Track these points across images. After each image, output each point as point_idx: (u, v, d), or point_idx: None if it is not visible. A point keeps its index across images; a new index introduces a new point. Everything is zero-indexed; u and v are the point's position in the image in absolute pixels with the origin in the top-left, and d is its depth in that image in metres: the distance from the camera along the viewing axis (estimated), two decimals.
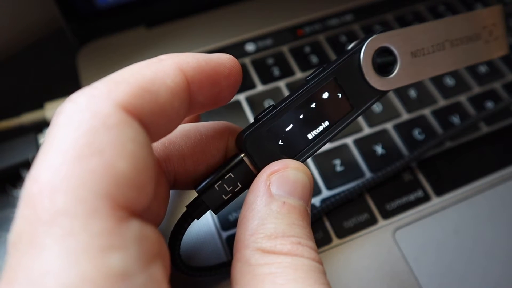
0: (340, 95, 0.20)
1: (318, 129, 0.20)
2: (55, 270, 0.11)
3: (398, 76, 0.20)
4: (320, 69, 0.20)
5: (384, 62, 0.21)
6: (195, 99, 0.16)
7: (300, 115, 0.19)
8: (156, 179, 0.15)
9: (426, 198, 0.27)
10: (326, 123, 0.20)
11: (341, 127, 0.20)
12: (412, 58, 0.21)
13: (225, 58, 0.17)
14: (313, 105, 0.20)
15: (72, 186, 0.12)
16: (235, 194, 0.19)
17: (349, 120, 0.20)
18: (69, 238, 0.12)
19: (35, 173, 0.13)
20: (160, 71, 0.15)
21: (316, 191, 0.27)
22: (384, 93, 0.21)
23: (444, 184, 0.27)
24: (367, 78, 0.20)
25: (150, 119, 0.15)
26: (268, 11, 0.37)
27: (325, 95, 0.20)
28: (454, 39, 0.21)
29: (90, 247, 0.12)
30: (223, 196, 0.18)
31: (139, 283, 0.12)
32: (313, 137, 0.20)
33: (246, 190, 0.19)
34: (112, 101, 0.14)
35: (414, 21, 0.36)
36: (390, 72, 0.21)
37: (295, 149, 0.19)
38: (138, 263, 0.13)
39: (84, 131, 0.13)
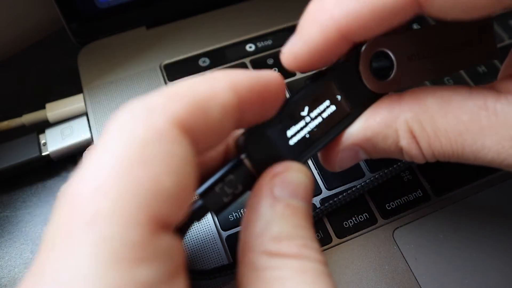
0: (339, 97, 0.20)
1: (318, 131, 0.20)
2: (84, 276, 0.12)
3: (394, 79, 0.21)
4: (320, 72, 0.20)
5: (382, 66, 0.21)
6: (244, 116, 0.17)
7: (300, 117, 0.20)
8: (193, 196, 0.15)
9: (425, 198, 0.27)
10: (326, 124, 0.20)
11: (340, 129, 0.20)
12: (408, 62, 0.21)
13: (274, 76, 0.18)
14: (312, 107, 0.20)
15: (116, 192, 0.13)
16: (236, 196, 0.19)
17: (347, 122, 0.20)
18: (103, 244, 0.12)
19: (83, 173, 0.13)
20: (214, 88, 0.15)
21: (316, 191, 0.27)
22: (382, 96, 0.21)
23: (443, 184, 0.27)
24: (365, 81, 0.21)
25: (200, 135, 0.15)
26: (268, 11, 0.37)
27: (324, 97, 0.20)
28: (447, 44, 0.22)
29: (122, 257, 0.12)
30: (224, 198, 0.18)
31: None
32: (313, 138, 0.20)
33: (247, 191, 0.19)
34: (167, 116, 0.14)
35: (411, 22, 0.36)
36: (387, 76, 0.21)
37: (295, 150, 0.20)
38: (165, 276, 0.13)
39: (137, 142, 0.13)
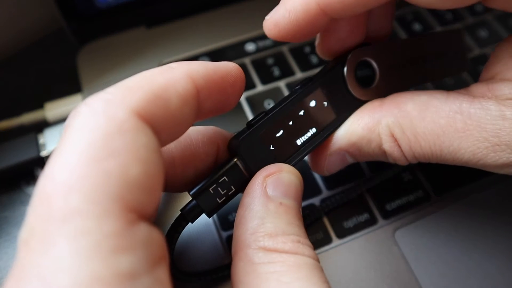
0: (326, 103, 0.21)
1: (306, 135, 0.21)
2: (67, 268, 0.12)
3: (377, 87, 0.22)
4: (308, 79, 0.21)
5: (366, 74, 0.22)
6: (203, 105, 0.17)
7: (290, 122, 0.21)
8: (163, 184, 0.15)
9: (426, 198, 0.27)
10: (314, 129, 0.21)
11: (327, 133, 0.21)
12: (390, 71, 0.22)
13: (231, 67, 0.18)
14: (301, 113, 0.21)
15: (86, 186, 0.13)
16: (229, 198, 0.19)
17: (334, 127, 0.22)
18: (81, 237, 0.12)
19: (50, 171, 0.13)
20: (171, 78, 0.16)
21: (316, 191, 0.27)
22: (365, 102, 0.22)
23: (444, 184, 0.27)
24: (350, 89, 0.22)
25: (161, 125, 0.15)
26: (268, 11, 0.36)
27: (312, 104, 0.21)
28: (424, 55, 0.23)
29: (101, 247, 0.12)
30: (217, 199, 0.19)
31: (145, 283, 0.13)
32: (301, 143, 0.21)
33: (239, 193, 0.19)
34: (126, 107, 0.14)
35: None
36: (371, 84, 0.22)
37: (285, 154, 0.20)
38: (145, 264, 0.13)
39: (100, 135, 0.13)
